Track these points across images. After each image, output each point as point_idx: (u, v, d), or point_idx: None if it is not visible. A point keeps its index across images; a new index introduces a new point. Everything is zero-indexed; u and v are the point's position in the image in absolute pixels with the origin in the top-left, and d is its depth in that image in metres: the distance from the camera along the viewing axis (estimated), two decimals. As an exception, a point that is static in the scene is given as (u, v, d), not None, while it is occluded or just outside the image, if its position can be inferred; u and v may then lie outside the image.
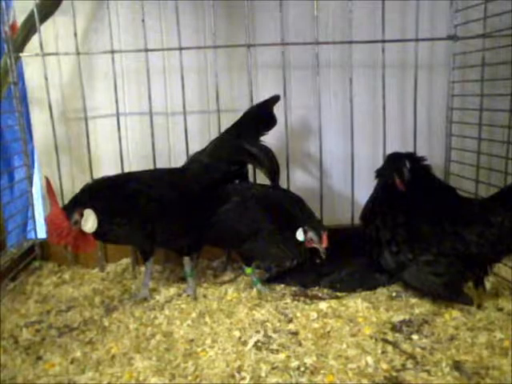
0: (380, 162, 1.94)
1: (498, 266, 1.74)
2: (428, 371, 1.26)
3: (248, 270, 1.82)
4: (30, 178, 2.08)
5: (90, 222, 1.50)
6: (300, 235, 1.60)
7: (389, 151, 2.00)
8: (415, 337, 1.42)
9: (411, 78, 2.01)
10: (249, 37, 1.92)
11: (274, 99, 1.81)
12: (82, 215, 1.49)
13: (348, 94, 2.00)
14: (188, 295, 1.75)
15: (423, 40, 1.98)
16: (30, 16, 1.87)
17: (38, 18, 1.84)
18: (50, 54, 1.95)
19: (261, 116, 1.82)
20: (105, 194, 1.58)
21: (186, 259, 1.76)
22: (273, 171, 1.79)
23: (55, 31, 2.03)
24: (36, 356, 1.39)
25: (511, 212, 1.48)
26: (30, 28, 1.90)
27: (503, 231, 1.48)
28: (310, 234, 1.58)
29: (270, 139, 2.12)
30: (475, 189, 1.93)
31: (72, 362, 1.35)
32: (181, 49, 1.92)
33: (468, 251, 1.52)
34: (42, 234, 2.16)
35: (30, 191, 2.07)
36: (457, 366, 1.28)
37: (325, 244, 1.57)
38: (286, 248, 1.66)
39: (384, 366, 1.28)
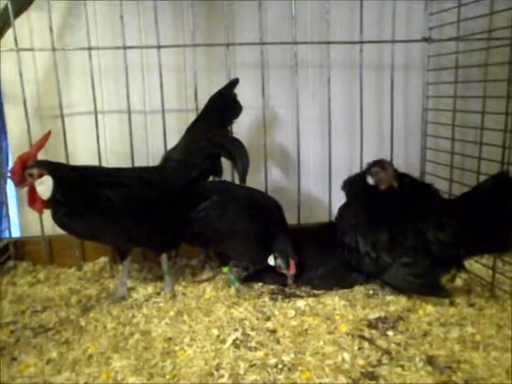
0: (357, 161, 1.97)
1: (471, 263, 1.79)
2: (402, 366, 1.29)
3: (225, 269, 1.82)
4: (4, 176, 2.04)
5: (43, 186, 1.50)
6: (271, 261, 1.70)
7: (366, 150, 2.04)
8: (390, 333, 1.45)
9: (388, 78, 2.04)
10: (228, 36, 1.92)
11: (233, 83, 1.80)
12: (40, 175, 1.49)
13: (326, 94, 2.02)
14: (166, 293, 1.74)
15: (399, 42, 2.01)
16: (4, 10, 1.83)
17: (12, 12, 1.80)
18: (24, 50, 1.91)
19: (224, 104, 1.81)
20: (76, 182, 1.55)
21: (163, 257, 1.76)
22: (243, 163, 1.78)
23: (30, 26, 1.99)
24: (11, 357, 1.37)
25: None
26: (4, 23, 1.86)
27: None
28: (279, 261, 1.69)
29: (247, 138, 2.14)
30: (449, 188, 1.97)
31: (48, 363, 1.34)
32: (159, 47, 1.91)
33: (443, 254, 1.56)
34: (16, 233, 2.12)
35: (4, 189, 2.03)
36: (430, 360, 1.31)
37: (292, 271, 1.68)
38: (259, 252, 1.70)
39: (360, 361, 1.31)
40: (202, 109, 1.85)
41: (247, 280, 1.84)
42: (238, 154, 1.77)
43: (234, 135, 1.90)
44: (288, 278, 1.70)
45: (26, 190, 1.54)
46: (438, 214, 1.59)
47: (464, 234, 1.53)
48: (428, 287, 1.61)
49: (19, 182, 1.52)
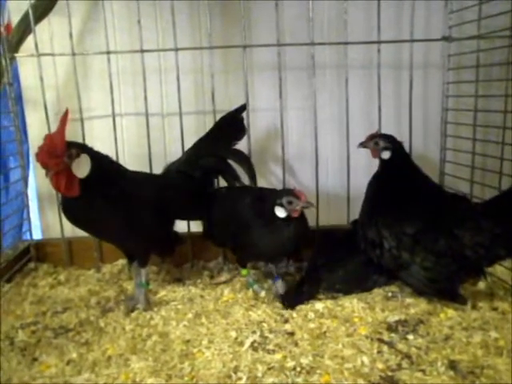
0: (376, 162, 1.94)
1: (494, 266, 1.74)
2: (423, 371, 1.26)
3: (244, 272, 1.82)
4: (25, 179, 2.07)
5: (82, 165, 1.45)
6: (279, 211, 1.55)
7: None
8: (411, 337, 1.43)
9: (406, 78, 2.02)
10: (244, 37, 1.92)
11: (243, 107, 1.85)
12: (78, 155, 1.45)
13: (344, 95, 2.01)
14: (141, 309, 1.65)
15: (418, 41, 1.99)
16: (25, 16, 1.86)
17: (33, 18, 1.84)
18: (45, 55, 1.95)
19: (232, 126, 1.85)
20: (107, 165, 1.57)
21: (144, 270, 1.69)
22: (251, 175, 1.84)
23: (50, 32, 2.03)
24: (32, 357, 1.39)
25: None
26: (24, 28, 1.90)
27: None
28: (284, 200, 1.53)
29: (265, 140, 2.14)
30: (470, 189, 1.94)
31: (68, 364, 1.35)
32: (177, 49, 1.92)
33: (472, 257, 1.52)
34: (37, 235, 2.15)
35: (25, 192, 2.06)
36: (452, 365, 1.28)
37: (302, 196, 1.51)
38: (277, 235, 1.60)
39: (380, 365, 1.29)
40: (210, 128, 1.87)
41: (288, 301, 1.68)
42: (246, 167, 1.83)
43: (252, 138, 1.90)
44: (308, 205, 1.53)
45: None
46: (475, 218, 1.54)
47: (502, 237, 1.48)
48: (444, 293, 1.58)
49: (57, 166, 1.42)
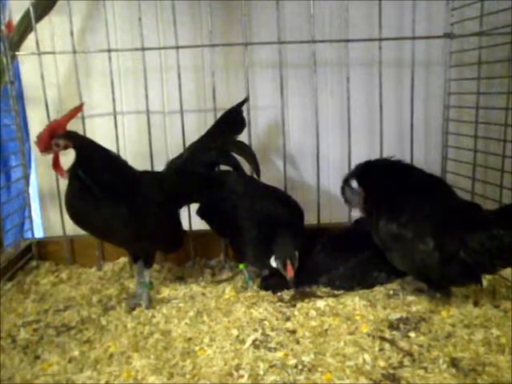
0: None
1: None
2: (425, 368, 1.26)
3: (241, 265, 1.84)
4: (26, 178, 2.07)
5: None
6: (273, 262, 1.66)
7: (386, 149, 2.01)
8: (412, 334, 1.43)
9: (408, 76, 2.01)
10: (246, 35, 1.92)
11: (245, 101, 1.86)
12: (66, 147, 1.49)
13: (345, 93, 2.00)
14: (143, 308, 1.65)
15: (420, 38, 1.98)
16: (26, 14, 1.86)
17: (34, 16, 1.84)
18: (46, 53, 1.94)
19: (233, 120, 1.86)
20: (99, 162, 1.56)
21: (148, 270, 1.72)
22: (254, 165, 1.85)
23: (51, 30, 2.03)
24: (34, 355, 1.39)
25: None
26: (25, 27, 1.90)
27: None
28: (277, 263, 1.65)
29: (266, 138, 2.14)
30: (471, 187, 1.93)
31: (70, 361, 1.35)
32: (178, 47, 1.91)
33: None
34: (38, 233, 2.16)
35: (26, 191, 2.07)
36: (454, 362, 1.28)
37: (289, 274, 1.62)
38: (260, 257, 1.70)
39: (381, 363, 1.29)
40: (212, 124, 1.87)
41: (266, 289, 1.75)
42: (250, 158, 1.83)
43: (253, 135, 1.90)
44: (288, 280, 1.65)
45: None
46: (487, 226, 1.49)
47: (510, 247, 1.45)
48: (431, 282, 1.59)
49: (43, 150, 1.50)
